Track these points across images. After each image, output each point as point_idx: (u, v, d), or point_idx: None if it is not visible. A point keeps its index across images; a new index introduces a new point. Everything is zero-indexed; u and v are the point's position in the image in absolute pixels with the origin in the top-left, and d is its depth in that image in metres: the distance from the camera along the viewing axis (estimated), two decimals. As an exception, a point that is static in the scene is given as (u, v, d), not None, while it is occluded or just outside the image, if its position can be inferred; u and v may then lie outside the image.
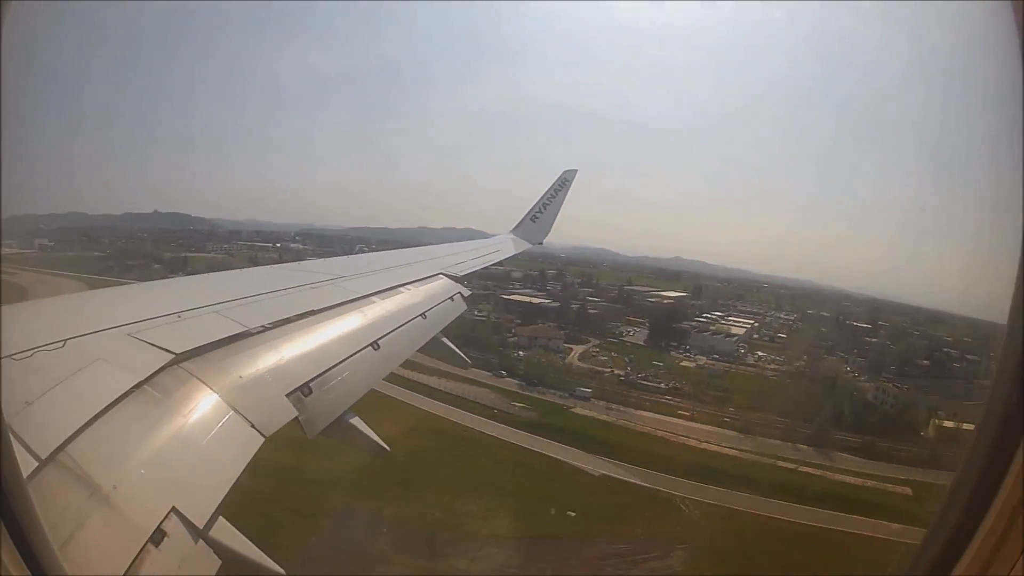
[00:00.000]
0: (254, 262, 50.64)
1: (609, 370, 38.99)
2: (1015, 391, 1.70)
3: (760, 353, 42.89)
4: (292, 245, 79.80)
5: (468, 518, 23.92)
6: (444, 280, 7.17)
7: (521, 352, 41.30)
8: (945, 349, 40.03)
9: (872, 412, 34.73)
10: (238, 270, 6.57)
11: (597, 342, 44.32)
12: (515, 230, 13.54)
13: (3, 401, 2.11)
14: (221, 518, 2.38)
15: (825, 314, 52.19)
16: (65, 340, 2.88)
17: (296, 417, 3.25)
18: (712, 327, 46.69)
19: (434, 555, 21.68)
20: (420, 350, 5.33)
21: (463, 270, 7.87)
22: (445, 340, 5.97)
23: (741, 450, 31.26)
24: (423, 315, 5.68)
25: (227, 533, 2.38)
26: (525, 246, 12.90)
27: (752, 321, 49.86)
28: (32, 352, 2.69)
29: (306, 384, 3.50)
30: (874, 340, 43.92)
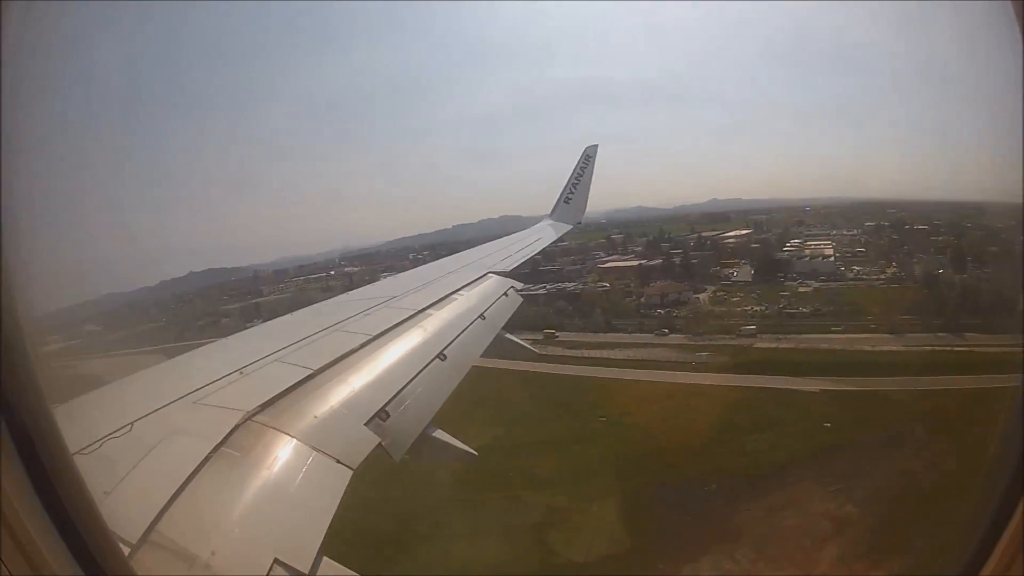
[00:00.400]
0: (328, 291, 52.45)
1: (749, 307, 43.75)
2: None
3: (856, 268, 48.65)
4: (347, 269, 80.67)
5: (761, 456, 27.86)
6: (494, 278, 7.39)
7: (660, 310, 45.54)
8: (1002, 236, 46.70)
9: (976, 296, 41.18)
10: (288, 315, 6.35)
11: (713, 288, 48.93)
12: (552, 215, 13.84)
13: None
14: (326, 558, 2.44)
15: (885, 223, 58.23)
16: (131, 423, 2.95)
17: (379, 443, 3.35)
18: (806, 253, 52.07)
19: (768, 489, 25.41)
20: (487, 350, 5.47)
21: (510, 264, 8.20)
22: (509, 335, 6.14)
23: (904, 346, 37.00)
24: (482, 316, 5.85)
25: (335, 571, 2.47)
26: (565, 228, 13.21)
27: (829, 241, 55.56)
28: (100, 443, 2.73)
29: (382, 409, 3.63)
30: (939, 238, 50.40)
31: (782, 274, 48.58)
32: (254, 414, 3.15)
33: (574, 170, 14.37)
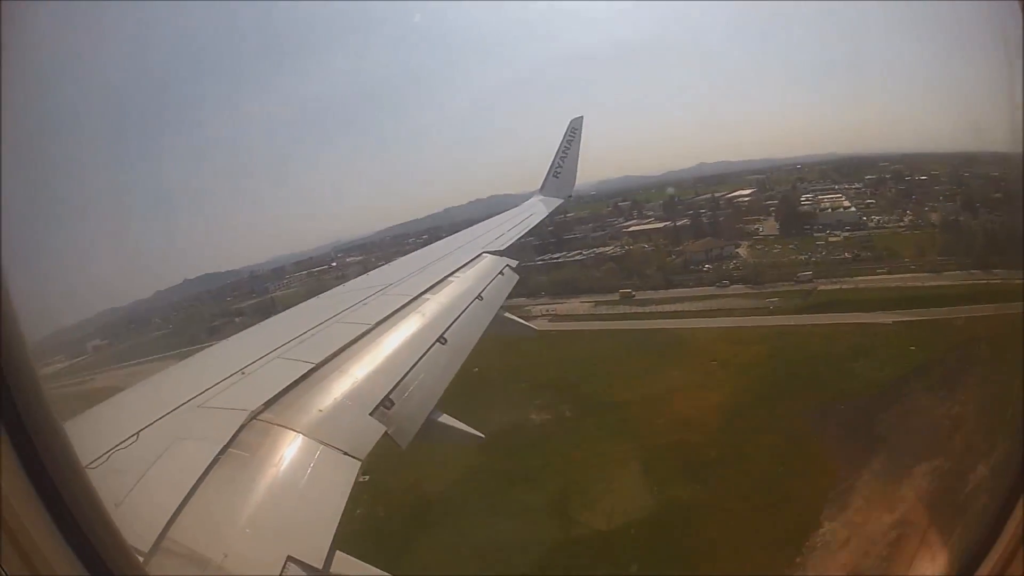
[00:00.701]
0: (341, 279, 52.73)
1: (792, 256, 46.65)
2: None
3: (875, 217, 52.54)
4: (349, 260, 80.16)
5: (867, 378, 30.41)
6: (489, 259, 7.33)
7: (707, 265, 47.67)
8: (1001, 183, 51.63)
9: (993, 237, 45.96)
10: (286, 311, 6.36)
11: (747, 242, 51.64)
12: (542, 190, 13.76)
13: None
14: (339, 552, 2.45)
15: (887, 176, 62.77)
16: (137, 433, 2.97)
17: (386, 432, 3.36)
18: (826, 206, 55.60)
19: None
20: (486, 330, 5.42)
21: (503, 243, 8.14)
22: (509, 314, 6.14)
23: (947, 281, 40.94)
24: (479, 297, 5.82)
25: (350, 565, 2.48)
26: (557, 202, 13.15)
27: (840, 195, 59.42)
28: (108, 455, 2.76)
29: (386, 398, 3.64)
30: (940, 187, 55.12)
31: (808, 226, 52.14)
32: (259, 413, 3.15)
33: (561, 144, 14.27)
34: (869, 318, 37.67)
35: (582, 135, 14.28)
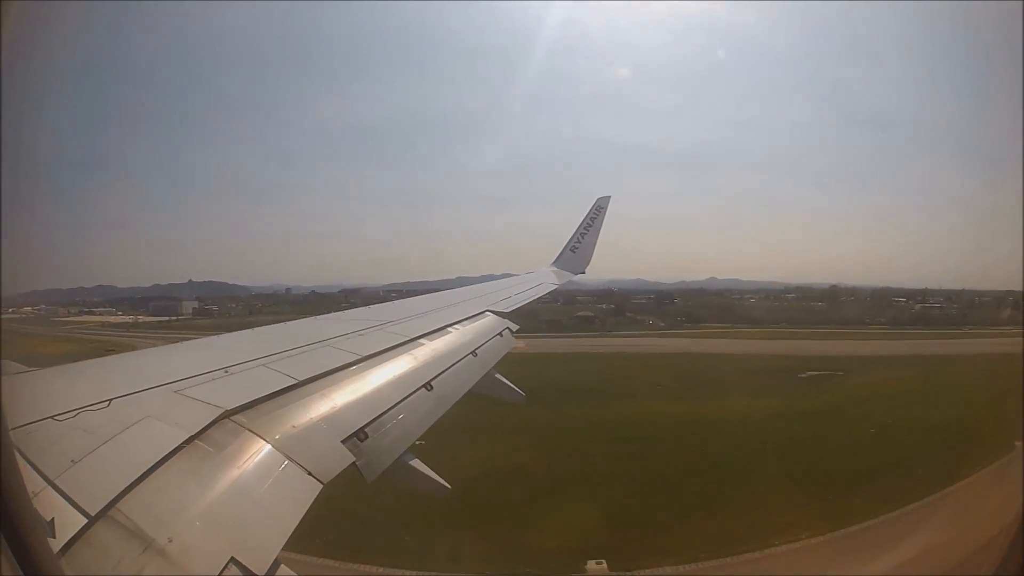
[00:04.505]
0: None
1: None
2: None
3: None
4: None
5: None
6: (491, 317, 7.35)
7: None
8: None
9: None
10: (282, 323, 6.38)
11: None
12: (556, 262, 13.76)
13: (48, 461, 2.31)
14: (283, 566, 2.41)
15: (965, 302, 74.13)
16: (110, 400, 2.98)
17: (354, 463, 3.33)
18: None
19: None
20: (474, 387, 5.43)
21: (509, 306, 8.11)
22: (499, 376, 6.07)
23: None
24: (474, 353, 5.81)
25: None
26: (568, 276, 13.16)
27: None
28: (76, 413, 2.78)
29: (361, 429, 3.61)
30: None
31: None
32: (233, 413, 3.16)
33: (584, 220, 14.21)
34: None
35: (606, 215, 14.24)
